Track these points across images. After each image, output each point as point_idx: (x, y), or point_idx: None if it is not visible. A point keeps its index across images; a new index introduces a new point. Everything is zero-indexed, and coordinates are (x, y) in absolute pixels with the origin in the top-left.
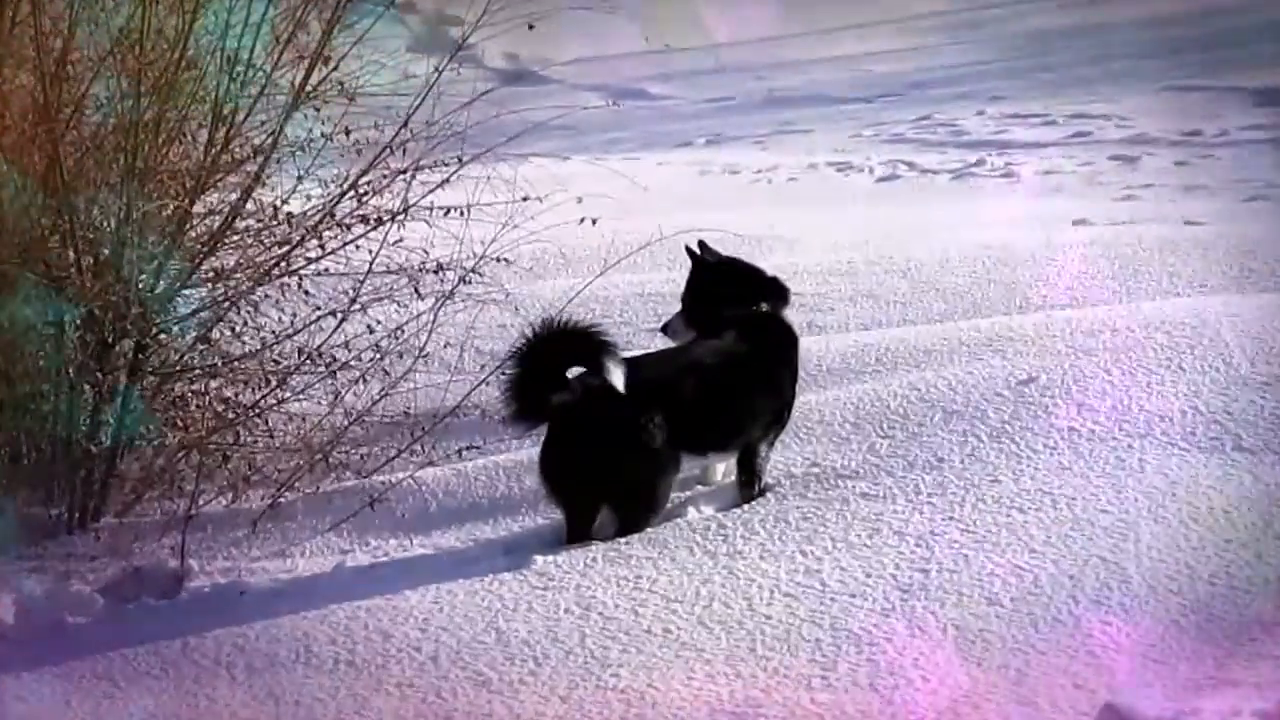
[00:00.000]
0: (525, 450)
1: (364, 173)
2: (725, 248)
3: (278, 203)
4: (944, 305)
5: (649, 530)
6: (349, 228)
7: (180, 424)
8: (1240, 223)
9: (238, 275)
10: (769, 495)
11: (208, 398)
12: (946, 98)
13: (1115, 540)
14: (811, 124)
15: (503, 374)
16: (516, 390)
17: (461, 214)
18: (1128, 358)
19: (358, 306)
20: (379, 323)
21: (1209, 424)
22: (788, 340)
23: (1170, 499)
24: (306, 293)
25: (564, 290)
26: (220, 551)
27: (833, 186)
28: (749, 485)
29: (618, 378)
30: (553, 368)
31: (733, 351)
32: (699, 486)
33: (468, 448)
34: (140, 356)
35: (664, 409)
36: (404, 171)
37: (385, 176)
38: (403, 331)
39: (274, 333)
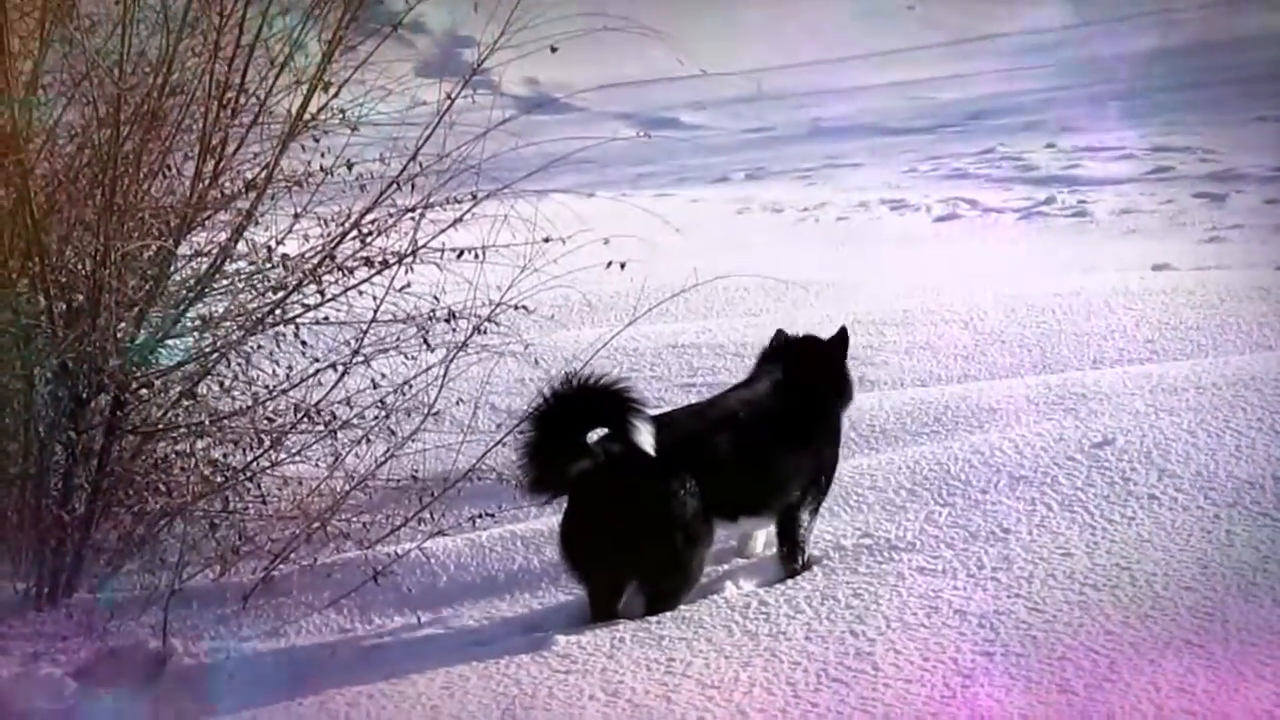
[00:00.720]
0: (545, 519)
1: (368, 210)
2: (766, 294)
3: (272, 243)
4: (1010, 359)
5: (682, 608)
6: (351, 271)
7: (163, 488)
8: None
9: (227, 323)
10: (815, 569)
11: (193, 459)
12: (1012, 128)
13: (1201, 621)
14: (862, 157)
15: (518, 438)
16: (533, 457)
17: (476, 256)
18: (1214, 418)
19: (360, 359)
20: (384, 377)
21: None
22: (824, 396)
23: (1262, 575)
24: (304, 343)
25: (589, 341)
26: (206, 630)
27: (886, 227)
28: (792, 558)
29: (646, 440)
30: (573, 431)
31: (765, 402)
32: (737, 560)
33: (481, 515)
34: (118, 413)
35: (692, 470)
36: (412, 209)
37: (391, 215)
38: (410, 386)
39: (267, 387)
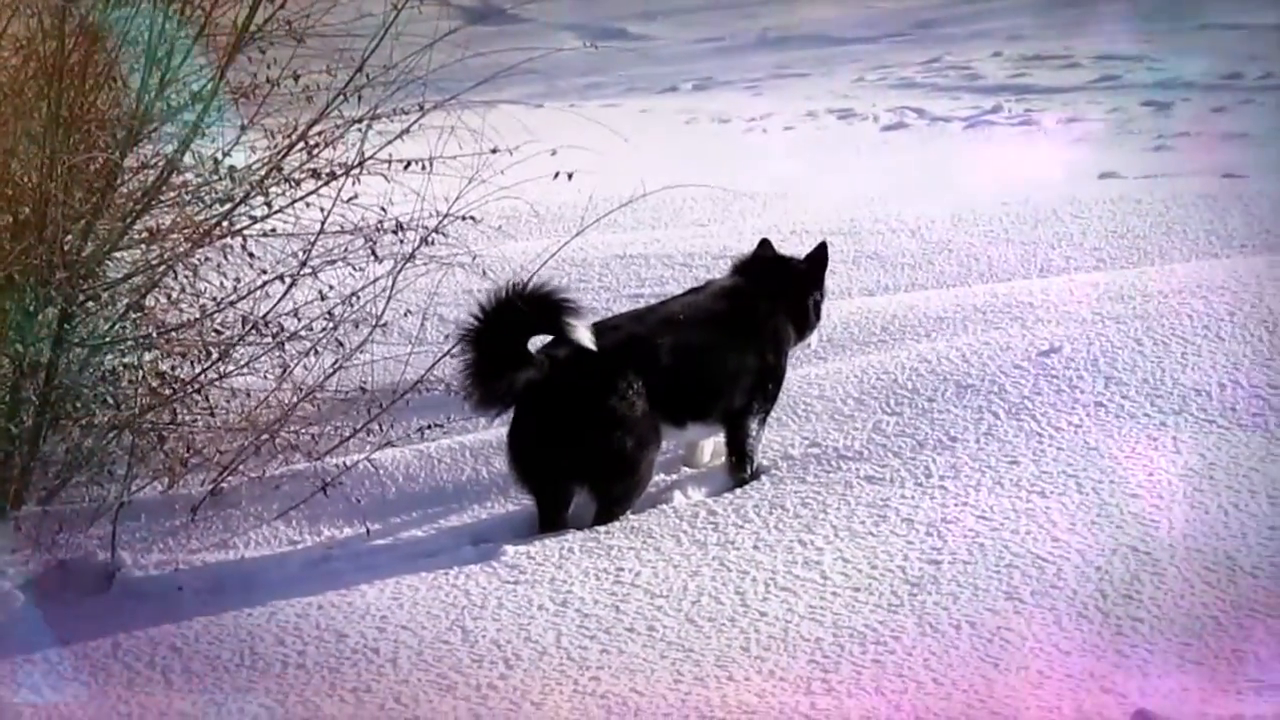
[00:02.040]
0: (494, 430)
1: (315, 122)
2: (714, 204)
3: (219, 155)
4: (957, 268)
5: (631, 517)
6: (298, 183)
7: (111, 401)
8: None
9: (174, 236)
10: (763, 479)
11: (141, 372)
12: (959, 37)
13: (1147, 528)
14: (810, 67)
15: (459, 358)
16: (476, 376)
17: (423, 168)
18: (1160, 326)
19: (308, 270)
20: (332, 288)
21: (1251, 399)
22: (770, 306)
23: (1208, 482)
24: (251, 255)
25: (537, 252)
26: (155, 542)
27: (834, 136)
28: (740, 467)
29: (585, 337)
30: (512, 343)
31: (710, 306)
32: (685, 469)
33: (430, 426)
34: (66, 326)
35: (638, 371)
36: (359, 121)
37: (339, 126)
38: (358, 298)
39: (215, 300)
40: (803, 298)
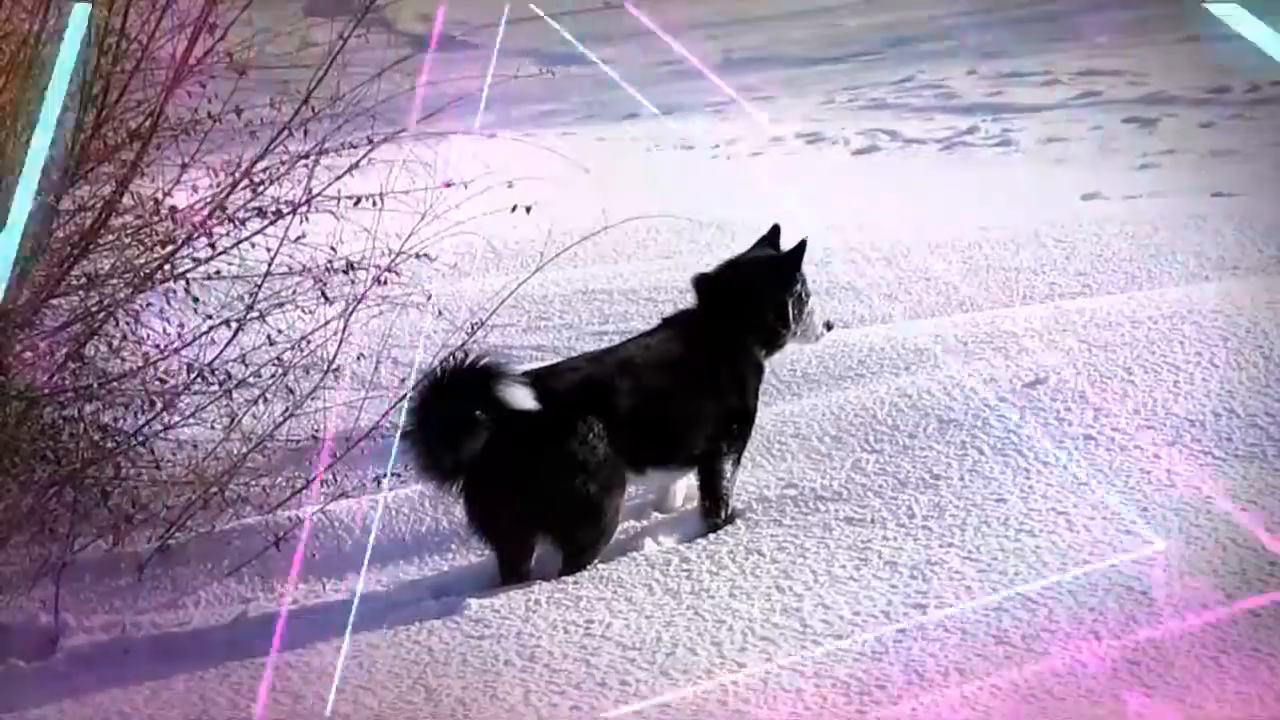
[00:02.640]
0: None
1: (259, 158)
2: (679, 235)
3: (159, 195)
4: (936, 297)
5: (600, 567)
6: (243, 222)
7: (51, 456)
8: (1277, 193)
9: (114, 281)
10: (738, 523)
11: (82, 424)
12: (932, 55)
13: (1142, 566)
14: (777, 89)
15: (404, 448)
16: (427, 463)
17: (374, 204)
18: (1151, 353)
19: (255, 314)
20: (280, 332)
21: (1247, 428)
22: (728, 340)
23: (1204, 517)
24: (195, 299)
25: (494, 289)
26: (101, 604)
27: (802, 161)
28: (714, 511)
29: (524, 399)
30: (455, 422)
31: (663, 350)
32: (656, 515)
33: (387, 475)
34: (2, 378)
35: (597, 414)
36: (306, 156)
37: (284, 162)
38: (308, 342)
39: (158, 347)
40: (773, 305)
